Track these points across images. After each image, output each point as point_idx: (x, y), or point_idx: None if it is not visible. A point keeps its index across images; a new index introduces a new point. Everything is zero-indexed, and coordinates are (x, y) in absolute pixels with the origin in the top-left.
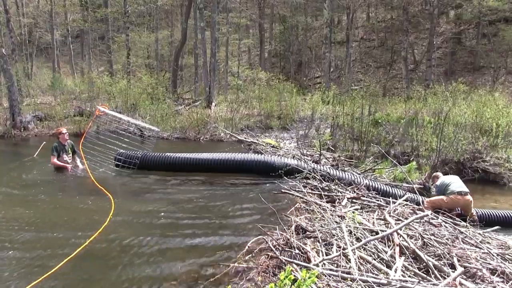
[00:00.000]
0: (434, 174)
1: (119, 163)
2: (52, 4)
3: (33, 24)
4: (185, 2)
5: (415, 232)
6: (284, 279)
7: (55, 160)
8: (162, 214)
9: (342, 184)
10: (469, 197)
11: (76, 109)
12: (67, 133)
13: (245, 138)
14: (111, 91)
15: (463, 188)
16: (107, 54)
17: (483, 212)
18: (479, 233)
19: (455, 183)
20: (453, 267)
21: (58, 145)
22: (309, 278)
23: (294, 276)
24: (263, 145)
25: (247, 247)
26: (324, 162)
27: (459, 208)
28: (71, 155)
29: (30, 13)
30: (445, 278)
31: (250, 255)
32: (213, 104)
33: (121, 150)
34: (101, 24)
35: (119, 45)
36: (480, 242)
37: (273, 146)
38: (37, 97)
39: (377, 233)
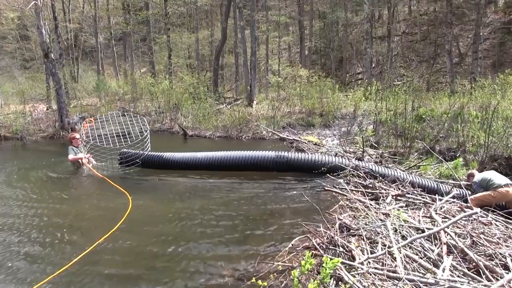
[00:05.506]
0: (469, 172)
1: (123, 162)
2: (96, 9)
3: (78, 29)
4: (225, 1)
5: (463, 231)
6: (305, 264)
7: (71, 157)
8: (202, 211)
9: (386, 181)
10: None
11: (120, 110)
12: (79, 138)
13: (287, 135)
14: (154, 91)
15: (508, 180)
16: (149, 55)
17: None
18: None
19: (497, 177)
20: (506, 268)
21: (73, 148)
22: (332, 262)
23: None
24: (305, 143)
25: (290, 245)
26: (367, 159)
27: (503, 202)
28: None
29: (75, 18)
30: (498, 280)
31: (294, 253)
32: (255, 102)
33: (124, 150)
34: (143, 26)
35: (161, 46)
36: None
37: (315, 144)
38: (83, 99)
39: (423, 231)
